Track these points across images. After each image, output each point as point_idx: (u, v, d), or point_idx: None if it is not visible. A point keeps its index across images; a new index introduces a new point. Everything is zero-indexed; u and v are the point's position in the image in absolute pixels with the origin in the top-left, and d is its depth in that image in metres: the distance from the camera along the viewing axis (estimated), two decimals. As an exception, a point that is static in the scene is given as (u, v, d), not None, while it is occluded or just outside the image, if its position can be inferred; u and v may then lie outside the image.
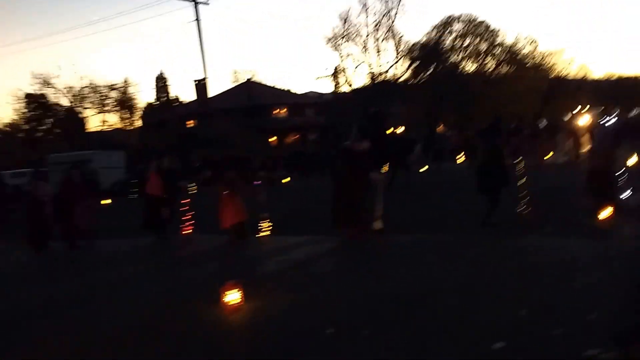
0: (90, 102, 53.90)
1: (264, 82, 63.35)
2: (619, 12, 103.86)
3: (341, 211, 10.11)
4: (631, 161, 11.86)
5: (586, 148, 21.50)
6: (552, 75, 53.63)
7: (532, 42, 50.43)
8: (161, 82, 64.06)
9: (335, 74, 51.84)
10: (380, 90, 47.58)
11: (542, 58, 52.36)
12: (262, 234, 11.38)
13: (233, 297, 6.31)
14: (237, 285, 6.36)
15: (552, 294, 5.94)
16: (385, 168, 15.22)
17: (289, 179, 28.01)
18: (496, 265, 7.43)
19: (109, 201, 22.46)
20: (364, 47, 48.28)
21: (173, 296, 7.51)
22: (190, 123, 53.42)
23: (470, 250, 8.46)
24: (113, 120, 57.91)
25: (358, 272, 8.02)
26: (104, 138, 50.13)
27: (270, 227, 11.49)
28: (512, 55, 49.90)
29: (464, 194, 15.00)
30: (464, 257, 8.08)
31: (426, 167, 24.61)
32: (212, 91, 49.85)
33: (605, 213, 9.50)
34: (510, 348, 4.61)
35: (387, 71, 48.99)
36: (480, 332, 5.03)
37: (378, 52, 48.46)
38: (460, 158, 27.09)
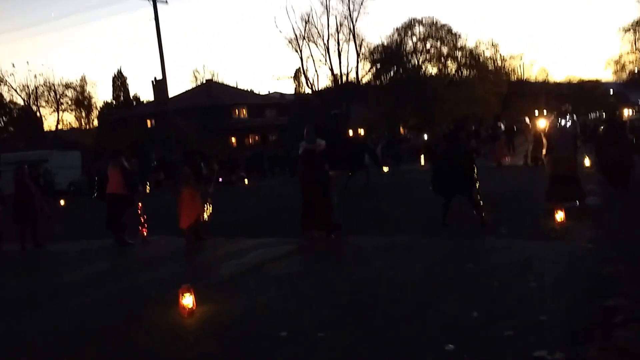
0: (46, 101, 52.69)
1: (225, 82, 63.02)
2: (580, 17, 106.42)
3: (311, 215, 10.12)
4: (587, 163, 12.15)
5: (544, 151, 21.98)
6: (512, 79, 54.72)
7: (492, 45, 51.36)
8: (119, 81, 63.20)
9: (296, 75, 51.87)
10: (342, 91, 47.74)
11: (503, 61, 53.38)
12: (205, 217, 11.35)
13: (186, 301, 6.23)
14: (189, 289, 6.27)
15: (504, 295, 6.04)
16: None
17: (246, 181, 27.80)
18: (450, 267, 7.51)
19: (63, 202, 22.04)
20: (326, 48, 48.44)
21: (126, 300, 7.39)
22: (149, 123, 52.67)
23: (426, 252, 8.54)
24: (69, 119, 56.82)
25: (314, 274, 8.01)
26: (61, 138, 49.01)
27: (211, 213, 11.46)
28: (473, 58, 50.63)
29: (421, 196, 15.15)
30: (420, 258, 8.14)
31: (387, 168, 24.70)
32: (172, 91, 49.24)
33: (560, 215, 9.70)
34: (462, 350, 4.66)
35: (348, 73, 49.25)
36: (432, 333, 5.07)
37: (340, 54, 48.67)
38: (421, 160, 27.29)
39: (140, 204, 12.11)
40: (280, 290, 7.21)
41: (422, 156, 27.02)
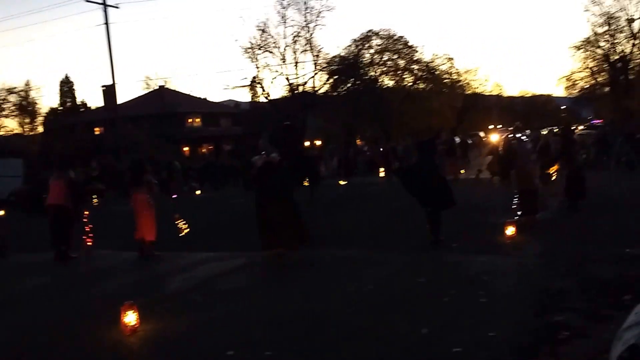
0: None
1: (178, 89, 62.05)
2: (534, 34, 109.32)
3: (274, 233, 9.62)
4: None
5: (496, 165, 22.38)
6: (467, 92, 55.69)
7: (448, 59, 52.21)
8: (66, 87, 61.36)
9: (252, 85, 51.63)
10: (298, 102, 47.75)
11: (458, 75, 54.29)
12: (182, 232, 11.32)
13: (128, 319, 6.04)
14: (132, 306, 6.07)
15: (454, 311, 6.08)
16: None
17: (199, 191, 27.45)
18: (402, 282, 7.54)
19: (2, 212, 21.28)
20: (282, 58, 48.46)
21: (67, 317, 7.14)
22: (98, 130, 51.18)
23: (378, 266, 8.55)
24: (12, 125, 54.90)
25: (263, 290, 7.91)
26: (3, 145, 47.49)
27: (186, 225, 11.33)
28: (429, 72, 51.38)
29: (378, 209, 15.23)
30: (371, 273, 8.15)
31: (344, 181, 24.81)
32: (123, 98, 48.32)
33: (510, 230, 9.85)
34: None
35: (305, 83, 49.30)
36: (382, 350, 5.06)
37: (296, 64, 48.75)
38: (380, 172, 27.46)
39: (87, 212, 11.74)
40: (227, 306, 7.05)
41: (382, 168, 27.21)
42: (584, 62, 48.75)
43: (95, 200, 12.03)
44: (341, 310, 6.43)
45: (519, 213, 11.06)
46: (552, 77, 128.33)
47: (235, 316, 6.58)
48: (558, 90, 78.48)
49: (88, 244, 11.37)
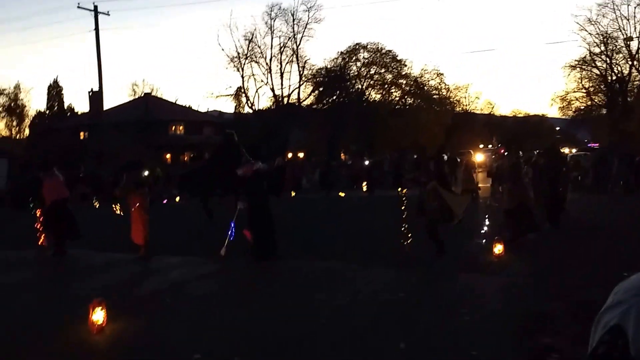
0: None
1: (163, 97, 62.55)
2: (527, 52, 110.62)
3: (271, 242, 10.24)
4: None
5: (485, 184, 22.51)
6: (458, 109, 56.03)
7: (438, 74, 52.46)
8: (54, 90, 62.11)
9: (237, 94, 51.71)
10: (282, 113, 47.82)
11: (448, 92, 54.61)
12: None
13: (96, 317, 6.17)
14: (101, 303, 6.20)
15: (435, 328, 5.98)
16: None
17: (178, 198, 27.44)
18: (381, 297, 7.45)
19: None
20: (268, 68, 48.57)
21: (38, 313, 7.29)
22: (83, 135, 52.08)
23: (357, 280, 8.48)
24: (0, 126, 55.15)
25: (235, 297, 7.92)
26: None
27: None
28: (417, 87, 51.62)
29: (361, 223, 15.18)
30: (351, 286, 8.08)
31: (342, 193, 25.21)
32: (109, 104, 49.06)
33: (498, 249, 9.79)
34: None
35: (290, 94, 49.43)
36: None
37: (282, 74, 48.88)
38: (363, 186, 27.67)
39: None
40: (198, 310, 7.14)
41: (365, 183, 27.42)
42: (580, 82, 49.09)
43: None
44: (315, 321, 6.38)
45: (509, 233, 11.02)
46: (546, 97, 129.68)
47: (205, 321, 6.61)
48: (552, 110, 79.36)
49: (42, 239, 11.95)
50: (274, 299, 7.58)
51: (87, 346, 5.85)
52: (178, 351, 5.52)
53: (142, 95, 62.18)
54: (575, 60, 48.40)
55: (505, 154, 13.74)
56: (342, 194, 25.66)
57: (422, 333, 5.81)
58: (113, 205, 17.88)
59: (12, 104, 53.70)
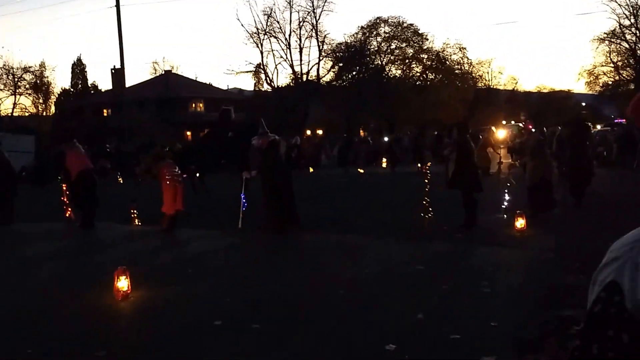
0: (4, 84, 52.36)
1: (184, 75, 63.06)
2: (553, 25, 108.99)
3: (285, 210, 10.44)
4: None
5: (506, 160, 22.41)
6: (480, 85, 55.41)
7: (460, 49, 51.84)
8: (78, 69, 63.04)
9: (256, 71, 51.68)
10: (301, 89, 47.72)
11: (471, 67, 54.00)
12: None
13: (121, 284, 6.42)
14: (125, 272, 6.45)
15: (454, 299, 6.01)
16: None
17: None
18: (400, 268, 7.50)
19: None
20: (287, 44, 48.41)
21: (64, 281, 7.58)
22: (106, 112, 53.68)
23: (375, 252, 8.55)
24: (27, 104, 56.18)
25: (255, 268, 8.04)
26: (17, 122, 48.69)
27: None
28: (439, 61, 51.10)
29: (381, 198, 15.22)
30: (369, 258, 8.15)
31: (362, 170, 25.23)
32: (131, 81, 49.93)
33: (520, 223, 9.76)
34: (403, 350, 4.57)
35: (309, 71, 49.27)
36: (374, 333, 5.01)
37: (301, 50, 48.70)
38: (383, 163, 27.75)
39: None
40: (218, 280, 7.33)
41: (384, 159, 27.48)
42: (608, 56, 48.28)
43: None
44: (333, 291, 6.45)
45: (533, 208, 10.98)
46: (573, 72, 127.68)
47: (225, 290, 6.75)
48: (578, 85, 78.25)
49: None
50: (292, 270, 7.70)
51: (112, 311, 6.10)
52: (200, 317, 5.67)
53: (163, 72, 63.02)
54: (604, 33, 47.52)
55: (533, 130, 13.54)
56: (361, 170, 25.79)
57: (440, 304, 5.84)
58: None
59: (38, 82, 54.28)
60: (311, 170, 26.88)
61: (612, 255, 0.99)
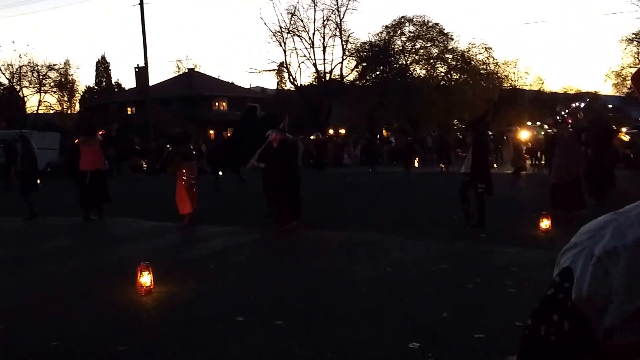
0: (29, 82, 52.97)
1: (207, 73, 63.46)
2: (579, 25, 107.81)
3: (282, 205, 10.53)
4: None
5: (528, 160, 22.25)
6: (505, 85, 54.87)
7: (485, 49, 51.35)
8: (102, 67, 64.19)
9: (279, 70, 51.73)
10: (324, 88, 47.66)
11: (496, 67, 53.48)
12: None
13: (144, 279, 6.44)
14: (148, 267, 6.47)
15: (478, 298, 5.93)
16: None
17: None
18: (423, 266, 7.44)
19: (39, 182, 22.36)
20: (311, 43, 48.37)
21: (87, 275, 7.64)
22: (130, 110, 54.03)
23: (399, 250, 8.49)
24: (51, 101, 57.09)
25: (276, 264, 8.03)
26: (43, 120, 49.65)
27: None
28: (464, 61, 50.68)
29: (403, 197, 15.15)
30: (392, 256, 8.10)
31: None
32: (154, 79, 50.15)
33: (545, 223, 9.63)
34: (427, 349, 4.52)
35: (332, 70, 49.20)
36: (397, 330, 4.97)
37: (324, 49, 48.63)
38: (411, 162, 27.68)
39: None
40: (240, 276, 7.34)
41: (407, 159, 27.38)
42: (636, 57, 47.46)
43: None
44: (355, 289, 6.42)
45: (554, 208, 10.79)
46: (600, 73, 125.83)
47: (247, 286, 6.75)
48: (606, 87, 77.20)
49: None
50: (315, 267, 7.66)
51: (135, 306, 6.13)
52: (222, 313, 5.67)
53: (186, 71, 63.40)
54: (633, 34, 46.71)
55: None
56: (371, 170, 25.78)
57: (465, 303, 5.76)
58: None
59: (63, 80, 54.88)
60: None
61: (574, 241, 0.99)
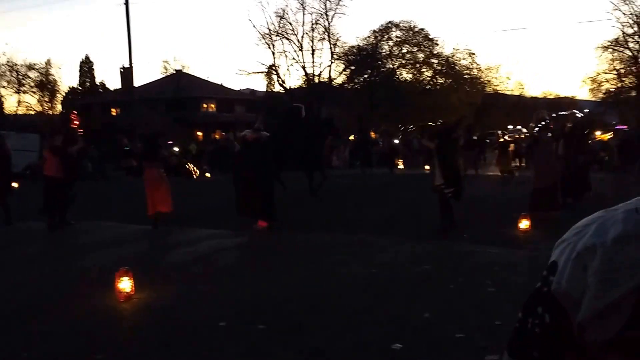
0: (7, 81, 51.13)
1: (195, 74, 62.57)
2: (558, 33, 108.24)
3: (248, 202, 10.53)
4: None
5: (513, 163, 22.28)
6: (488, 90, 55.05)
7: (470, 54, 51.48)
8: (86, 67, 62.67)
9: (268, 72, 51.55)
10: (313, 91, 47.57)
11: (479, 72, 53.62)
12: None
13: (123, 285, 6.19)
14: (127, 273, 6.22)
15: (459, 298, 5.91)
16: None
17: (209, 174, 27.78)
18: (405, 267, 7.39)
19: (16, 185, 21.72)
20: (299, 46, 48.24)
21: (65, 281, 7.35)
22: (114, 111, 52.76)
23: (381, 251, 8.43)
24: (31, 102, 55.59)
25: (262, 267, 7.86)
26: (22, 121, 48.16)
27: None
28: (449, 66, 50.79)
29: (388, 198, 15.11)
30: (374, 257, 8.03)
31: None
32: (141, 80, 49.21)
33: (524, 224, 9.64)
34: (409, 349, 4.49)
35: (321, 73, 49.10)
36: (379, 332, 4.91)
37: (313, 52, 48.51)
38: (399, 164, 27.71)
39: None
40: (224, 280, 7.14)
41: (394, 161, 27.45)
42: (611, 64, 47.77)
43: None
44: (339, 292, 6.33)
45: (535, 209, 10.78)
46: (577, 78, 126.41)
47: (231, 290, 6.59)
48: (582, 92, 77.54)
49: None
50: (298, 269, 7.53)
51: (114, 313, 5.89)
52: (204, 318, 5.51)
53: (174, 72, 62.47)
54: (608, 41, 47.04)
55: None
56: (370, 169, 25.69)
57: (446, 303, 5.73)
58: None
59: (44, 80, 52.92)
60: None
61: (564, 237, 0.99)
